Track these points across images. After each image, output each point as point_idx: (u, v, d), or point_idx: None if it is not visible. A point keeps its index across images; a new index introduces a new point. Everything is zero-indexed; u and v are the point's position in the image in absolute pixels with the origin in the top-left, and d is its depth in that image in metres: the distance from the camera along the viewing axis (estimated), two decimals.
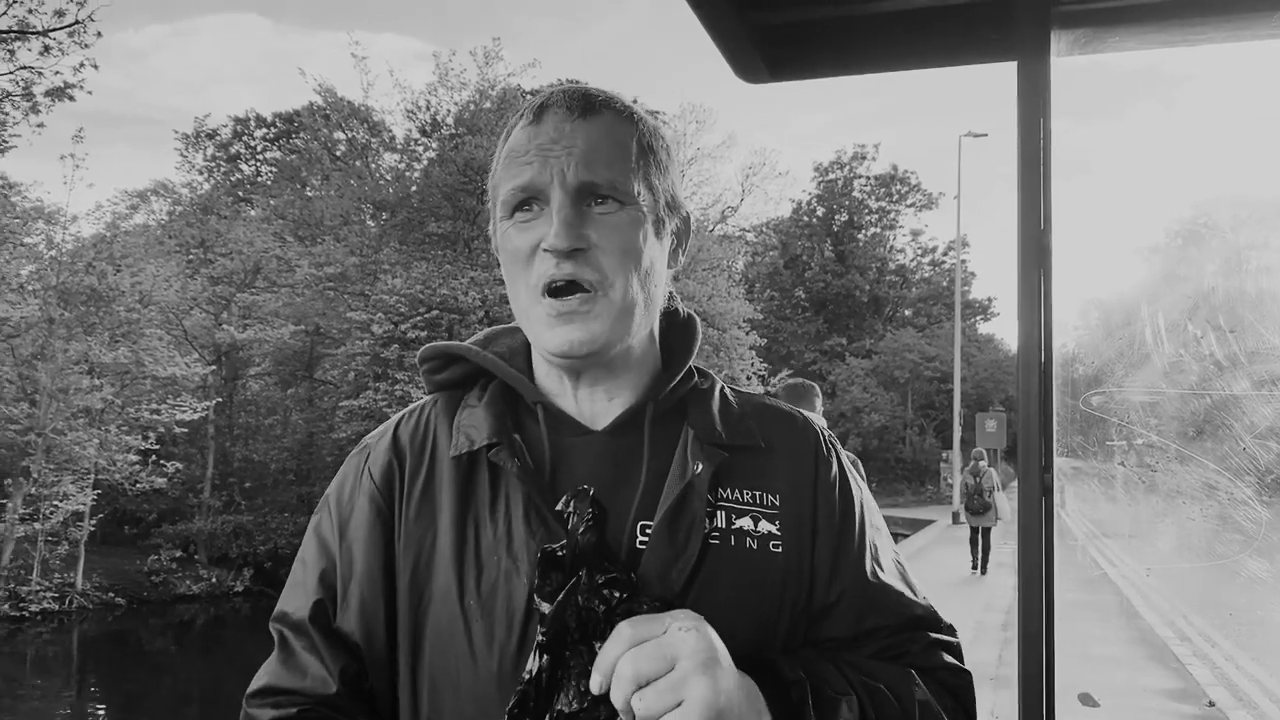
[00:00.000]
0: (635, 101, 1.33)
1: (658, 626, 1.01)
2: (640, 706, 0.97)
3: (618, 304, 1.19)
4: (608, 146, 1.20)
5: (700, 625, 1.02)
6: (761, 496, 1.24)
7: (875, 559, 1.30)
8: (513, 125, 1.26)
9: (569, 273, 1.16)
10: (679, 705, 0.97)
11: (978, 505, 17.11)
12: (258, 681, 1.24)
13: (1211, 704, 7.49)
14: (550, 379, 1.29)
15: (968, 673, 1.28)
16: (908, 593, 1.29)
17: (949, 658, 1.27)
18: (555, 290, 1.18)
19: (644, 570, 1.14)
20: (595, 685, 1.00)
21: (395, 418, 1.36)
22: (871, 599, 1.25)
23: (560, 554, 1.07)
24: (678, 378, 1.30)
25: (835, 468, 1.31)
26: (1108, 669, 8.47)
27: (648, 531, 1.18)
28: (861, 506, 1.32)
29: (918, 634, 1.26)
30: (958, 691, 1.24)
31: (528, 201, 1.20)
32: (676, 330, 1.36)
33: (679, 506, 1.18)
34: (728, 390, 1.36)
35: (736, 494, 1.23)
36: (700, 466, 1.19)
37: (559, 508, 1.11)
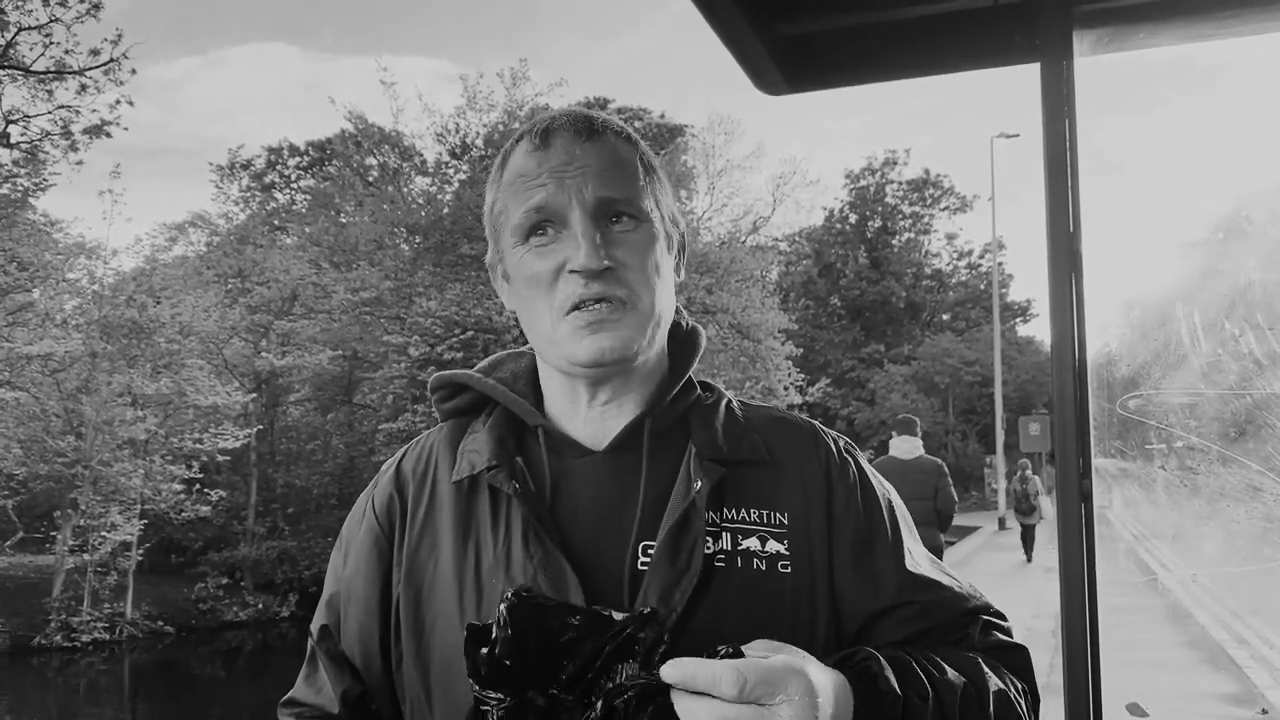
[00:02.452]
0: (632, 121, 1.35)
1: (769, 689, 0.94)
2: None
3: (646, 315, 1.20)
4: (617, 166, 1.21)
5: (811, 703, 0.95)
6: (769, 515, 1.22)
7: (920, 557, 1.29)
8: (510, 151, 1.26)
9: (598, 291, 1.17)
10: None
11: (1025, 507, 20.44)
12: (290, 691, 1.33)
13: (1265, 711, 7.33)
14: (560, 399, 1.29)
15: (1025, 649, 1.27)
16: (957, 587, 1.28)
17: (1004, 637, 1.26)
18: (583, 306, 1.18)
19: (645, 592, 1.13)
20: (669, 676, 0.93)
21: (402, 450, 1.38)
22: (926, 601, 1.24)
23: (488, 630, 0.99)
24: (675, 390, 1.29)
25: (854, 476, 1.29)
26: (1159, 675, 8.32)
27: (649, 552, 1.16)
28: (891, 507, 1.31)
29: (975, 620, 1.26)
30: (1019, 671, 1.23)
31: (542, 224, 1.20)
32: (679, 342, 1.36)
33: (681, 527, 1.16)
34: (735, 404, 1.34)
35: (743, 514, 1.21)
36: (700, 484, 1.18)
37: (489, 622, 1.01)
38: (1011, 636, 1.28)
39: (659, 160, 1.31)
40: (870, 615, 1.22)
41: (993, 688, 1.15)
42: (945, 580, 1.28)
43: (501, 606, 0.97)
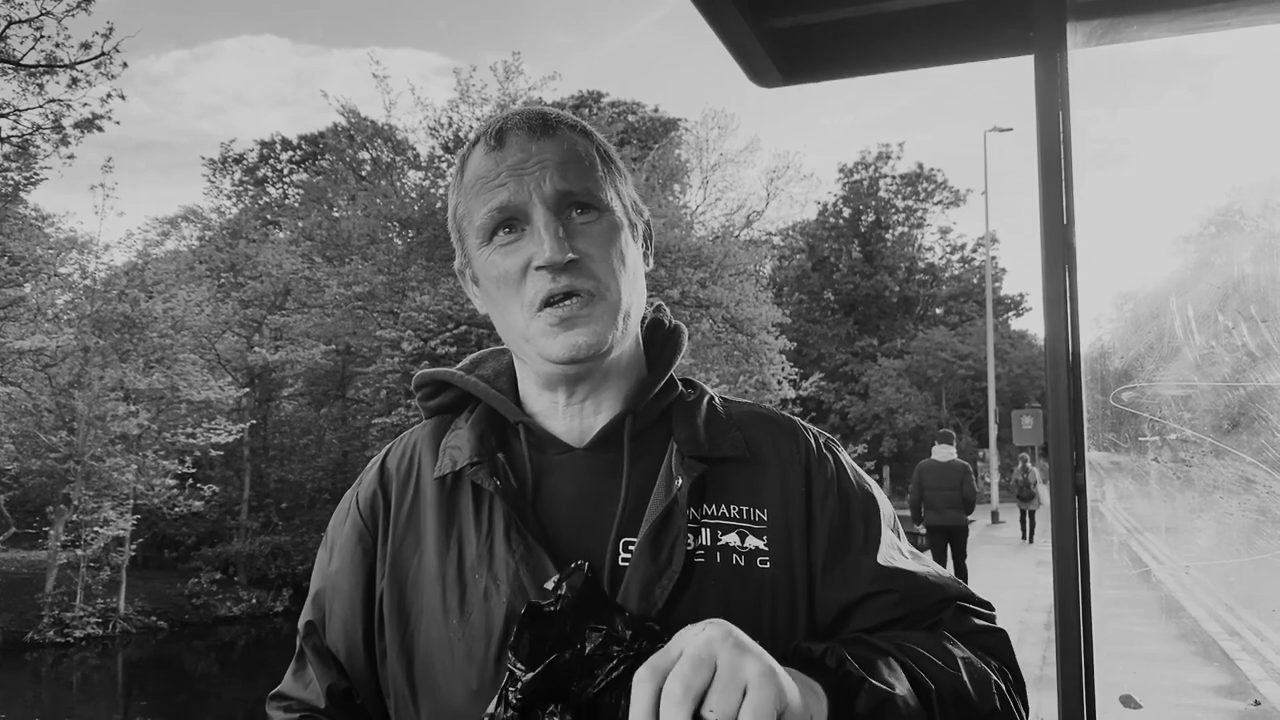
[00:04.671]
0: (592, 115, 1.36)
1: (673, 648, 0.93)
2: (714, 716, 0.90)
3: (615, 305, 1.20)
4: (574, 159, 1.22)
5: (711, 621, 0.94)
6: (749, 511, 1.23)
7: (897, 549, 1.29)
8: (467, 155, 1.27)
9: (565, 285, 1.17)
10: (746, 694, 0.90)
11: (1025, 494, 23.54)
12: (280, 685, 1.35)
13: (1258, 703, 7.35)
14: (540, 398, 1.29)
15: (1002, 631, 1.27)
16: (932, 576, 1.28)
17: (981, 621, 1.26)
18: (553, 301, 1.18)
19: (626, 588, 1.14)
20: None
21: (387, 447, 1.40)
22: (899, 590, 1.24)
23: (548, 610, 1.01)
24: (657, 387, 1.29)
25: (831, 471, 1.30)
26: (1152, 667, 8.35)
27: (630, 548, 1.17)
28: (870, 502, 1.31)
29: (948, 605, 1.26)
30: (994, 650, 1.24)
31: (506, 223, 1.21)
32: (661, 339, 1.36)
33: (663, 523, 1.17)
34: (718, 400, 1.35)
35: (723, 510, 1.22)
36: (681, 481, 1.18)
37: (549, 586, 1.05)
38: (993, 622, 1.28)
39: (616, 151, 1.32)
40: (843, 606, 1.23)
41: (959, 655, 1.16)
42: (920, 570, 1.28)
43: (572, 573, 1.03)
